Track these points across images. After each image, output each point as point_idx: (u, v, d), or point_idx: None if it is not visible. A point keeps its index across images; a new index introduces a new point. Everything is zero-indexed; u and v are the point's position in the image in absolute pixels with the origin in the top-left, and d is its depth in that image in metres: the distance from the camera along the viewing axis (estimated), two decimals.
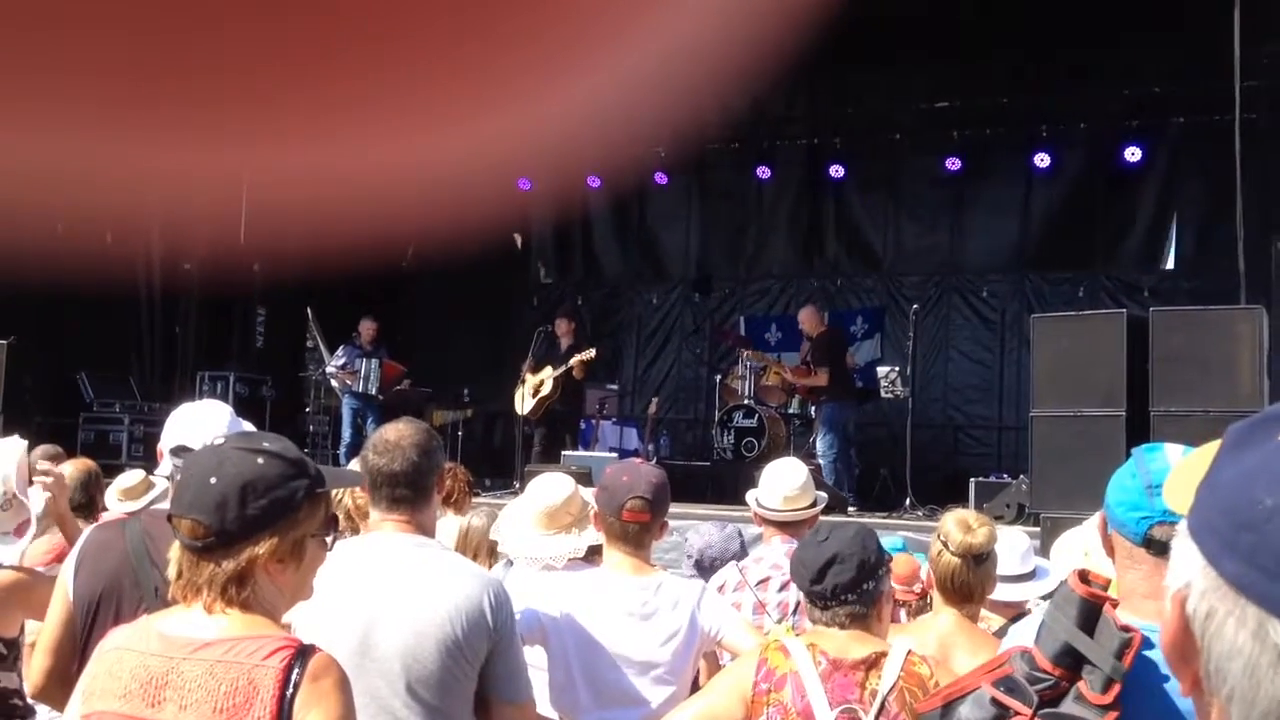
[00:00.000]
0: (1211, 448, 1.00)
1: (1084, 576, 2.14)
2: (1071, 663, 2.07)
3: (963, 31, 13.94)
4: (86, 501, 5.45)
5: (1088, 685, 2.04)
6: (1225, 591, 0.86)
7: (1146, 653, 2.06)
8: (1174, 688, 2.06)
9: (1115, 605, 2.12)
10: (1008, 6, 13.33)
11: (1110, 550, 2.28)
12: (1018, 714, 2.05)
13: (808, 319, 12.03)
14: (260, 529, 2.06)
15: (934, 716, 2.22)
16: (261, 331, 14.47)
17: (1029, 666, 2.10)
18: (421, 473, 3.00)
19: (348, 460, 11.67)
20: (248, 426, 3.36)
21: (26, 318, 11.91)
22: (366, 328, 13.28)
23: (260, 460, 2.08)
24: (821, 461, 11.21)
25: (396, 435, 3.03)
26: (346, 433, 12.97)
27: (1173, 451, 2.25)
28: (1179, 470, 1.05)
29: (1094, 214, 14.57)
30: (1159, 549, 2.15)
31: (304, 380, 14.82)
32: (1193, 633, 0.90)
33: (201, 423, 3.32)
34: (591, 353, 12.30)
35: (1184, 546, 0.93)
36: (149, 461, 11.74)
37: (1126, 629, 2.05)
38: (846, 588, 2.79)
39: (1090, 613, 2.09)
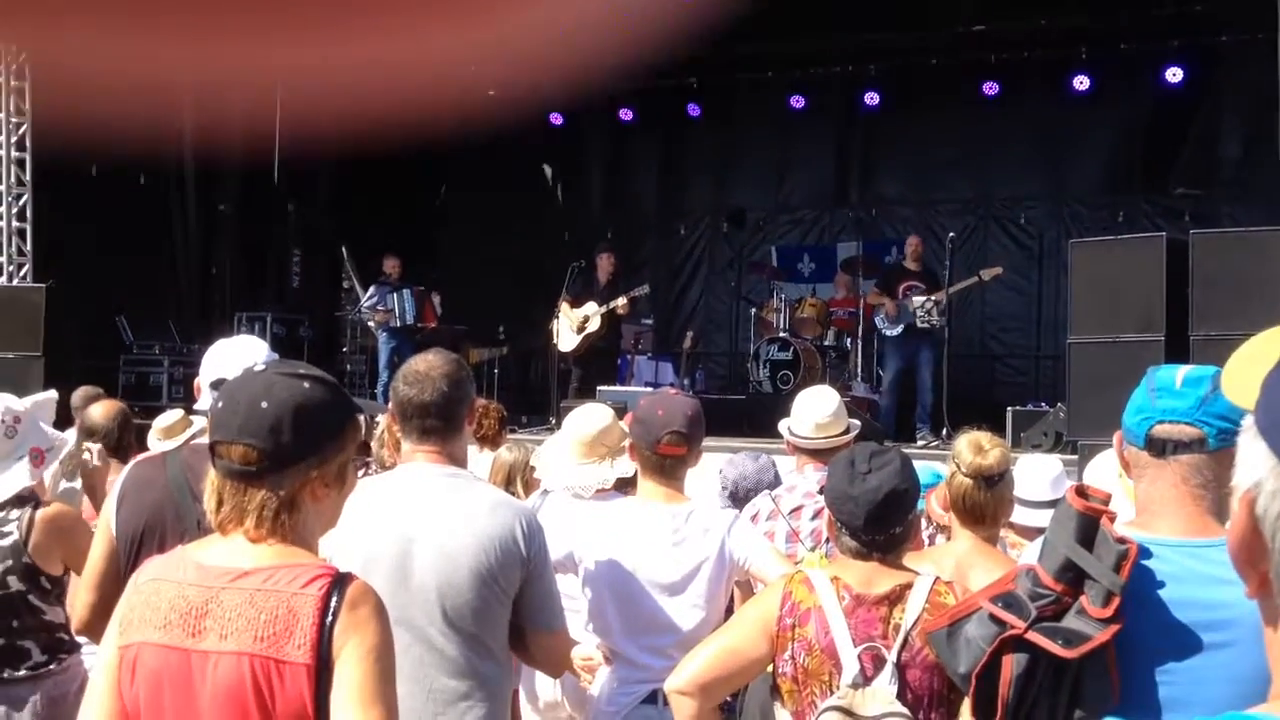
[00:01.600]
0: (1272, 338, 0.94)
1: (1081, 491, 2.14)
2: (1073, 578, 2.06)
3: None
4: (119, 445, 5.48)
5: (1089, 599, 2.04)
6: None
7: (1145, 562, 2.06)
8: (1172, 598, 2.05)
9: (1113, 518, 2.11)
10: None
11: (1127, 467, 2.28)
12: (1013, 628, 2.05)
13: (915, 247, 11.95)
14: (313, 452, 2.07)
15: (941, 635, 2.22)
16: (297, 272, 14.53)
17: (1032, 584, 2.10)
18: (451, 403, 3.01)
19: (385, 399, 11.76)
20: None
21: (65, 262, 12.01)
22: (390, 263, 13.32)
23: (306, 385, 2.08)
24: (930, 389, 11.24)
25: (426, 366, 3.04)
26: (384, 373, 13.04)
27: (1183, 368, 2.23)
28: (1239, 360, 0.99)
29: (1134, 137, 14.34)
30: (1158, 448, 2.15)
31: (340, 320, 14.90)
32: (1262, 533, 0.87)
33: (239, 357, 3.34)
34: (645, 289, 12.34)
35: (1252, 445, 0.88)
36: (189, 402, 11.83)
37: (1123, 541, 2.05)
38: (892, 523, 2.77)
39: (1088, 527, 2.08)
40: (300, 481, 2.07)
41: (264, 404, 2.03)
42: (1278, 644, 0.89)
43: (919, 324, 11.34)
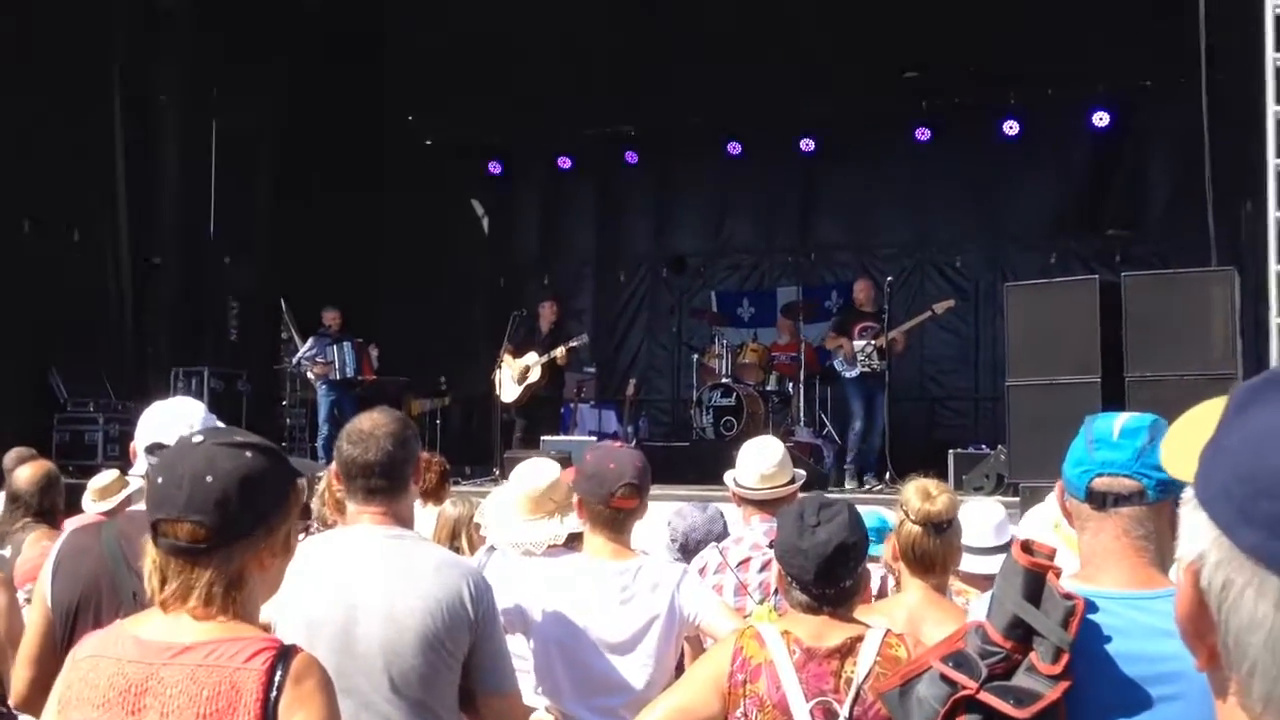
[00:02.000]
0: (1207, 409, 0.94)
1: (1026, 547, 2.15)
2: (1022, 634, 2.06)
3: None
4: (48, 508, 5.37)
5: (1038, 656, 2.04)
6: (1242, 562, 0.83)
7: (1091, 617, 2.07)
8: (1119, 651, 2.06)
9: (1058, 574, 2.12)
10: None
11: (1069, 517, 2.29)
12: (965, 688, 2.04)
13: (865, 290, 11.96)
14: (261, 523, 2.04)
15: (894, 695, 2.21)
16: (235, 325, 14.36)
17: (981, 641, 2.09)
18: (396, 463, 2.98)
19: (326, 454, 11.62)
20: (218, 423, 3.34)
21: None
22: (330, 315, 13.22)
23: (249, 454, 2.05)
24: (880, 435, 11.27)
25: (371, 424, 3.00)
26: (324, 426, 12.90)
27: (1120, 417, 2.25)
28: (1176, 432, 0.99)
29: (1064, 180, 14.63)
30: (1099, 501, 2.16)
31: (279, 373, 14.74)
32: (1208, 606, 0.87)
33: (176, 420, 3.29)
34: (585, 338, 12.36)
35: (1193, 516, 0.88)
36: (124, 460, 11.65)
37: (1069, 596, 2.05)
38: (846, 574, 2.77)
39: (1035, 582, 2.08)
40: (249, 555, 2.03)
41: (209, 478, 1.99)
42: (1227, 715, 0.89)
43: (860, 367, 11.42)
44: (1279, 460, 0.81)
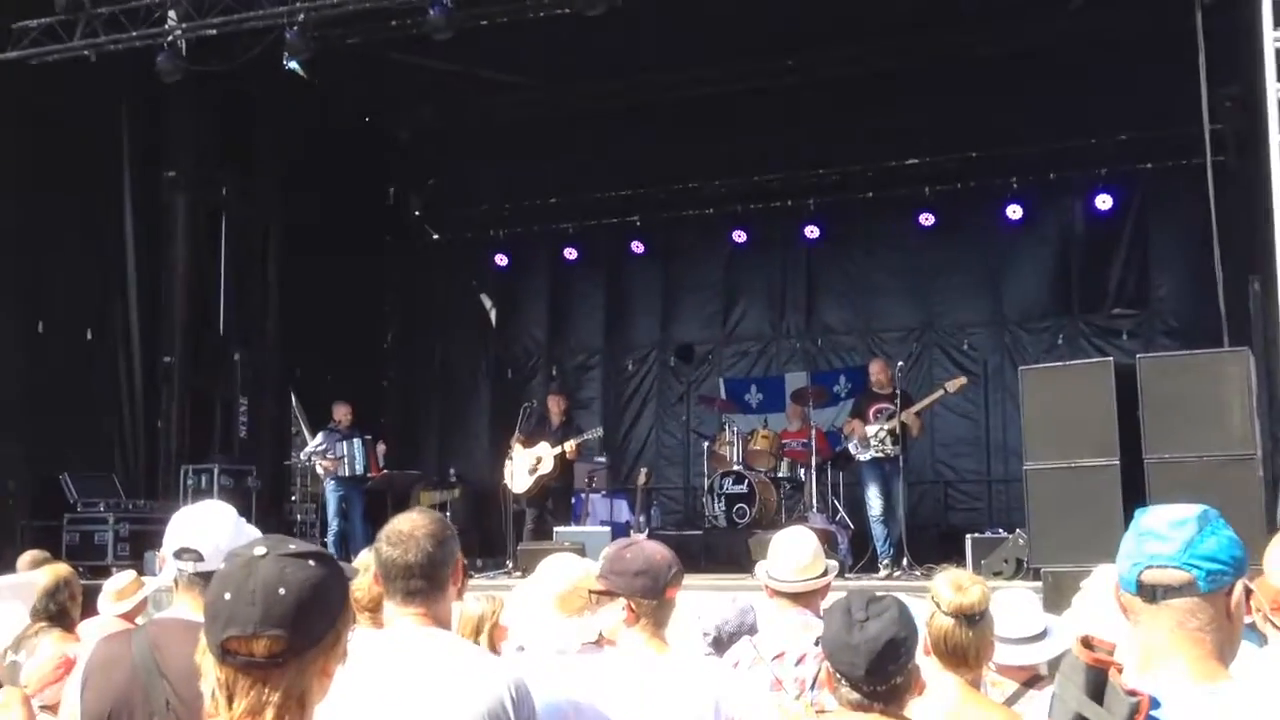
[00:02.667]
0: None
1: (1087, 642, 2.12)
2: None
3: (929, 87, 14.17)
4: (58, 611, 5.32)
5: None
6: None
7: (1155, 713, 2.03)
8: None
9: (1121, 669, 2.09)
10: (975, 62, 13.59)
11: (1125, 611, 2.27)
12: None
13: (882, 371, 11.81)
14: (330, 630, 2.02)
15: None
16: (244, 421, 14.36)
17: None
18: (436, 564, 2.95)
19: (336, 549, 11.55)
20: (251, 528, 3.31)
21: (6, 419, 11.81)
22: (341, 410, 13.19)
23: (312, 563, 2.03)
24: (898, 518, 11.14)
25: (410, 525, 2.98)
26: (333, 522, 12.82)
27: (1167, 509, 2.25)
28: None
29: (1069, 261, 14.71)
30: (1149, 593, 2.15)
31: (288, 469, 14.70)
32: None
33: (206, 524, 3.26)
34: (598, 432, 12.37)
35: None
36: (135, 560, 11.62)
37: (1133, 693, 2.03)
38: (892, 673, 2.72)
39: (1097, 679, 2.06)
40: (316, 664, 2.01)
41: (281, 590, 1.96)
42: None
43: (873, 451, 11.37)
44: None
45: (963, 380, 11.86)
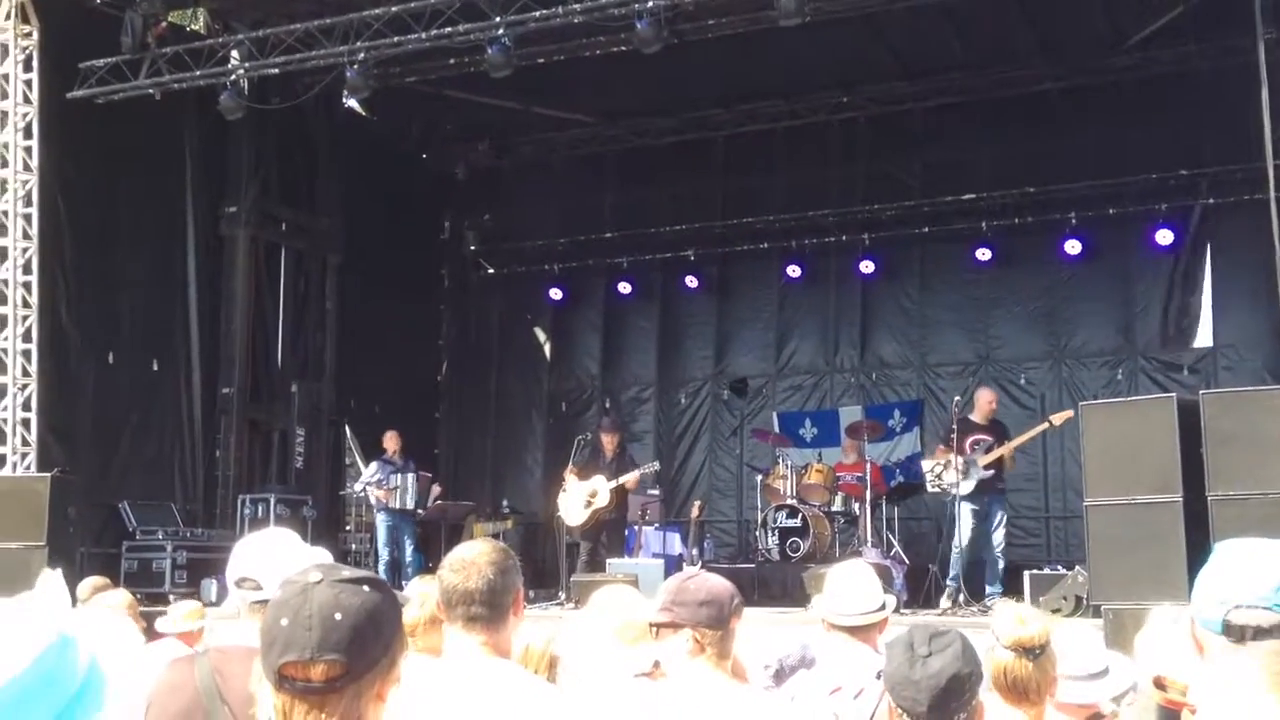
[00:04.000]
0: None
1: (1159, 683, 2.09)
2: None
3: (987, 121, 14.14)
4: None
5: None
6: None
7: None
8: None
9: (1195, 710, 2.06)
10: (1033, 97, 13.56)
11: (1200, 649, 2.24)
12: None
13: (992, 402, 11.64)
14: (385, 654, 2.03)
15: None
16: (300, 452, 14.50)
17: None
18: (497, 591, 2.96)
19: (388, 578, 11.60)
20: (321, 551, 3.33)
21: (73, 448, 12.04)
22: (392, 441, 13.28)
23: (367, 588, 2.04)
24: (1001, 549, 11.02)
25: (473, 553, 3.00)
26: (384, 550, 12.90)
27: (1253, 546, 2.21)
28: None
29: (1129, 296, 14.55)
30: (1237, 634, 2.12)
31: (343, 498, 14.81)
32: None
33: (269, 553, 3.29)
34: (655, 465, 12.38)
35: None
36: (192, 587, 11.74)
37: None
38: (955, 710, 2.68)
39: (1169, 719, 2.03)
40: (373, 689, 2.02)
41: (338, 615, 1.97)
42: None
43: (929, 488, 11.26)
44: None
45: (1069, 414, 11.18)
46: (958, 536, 11.03)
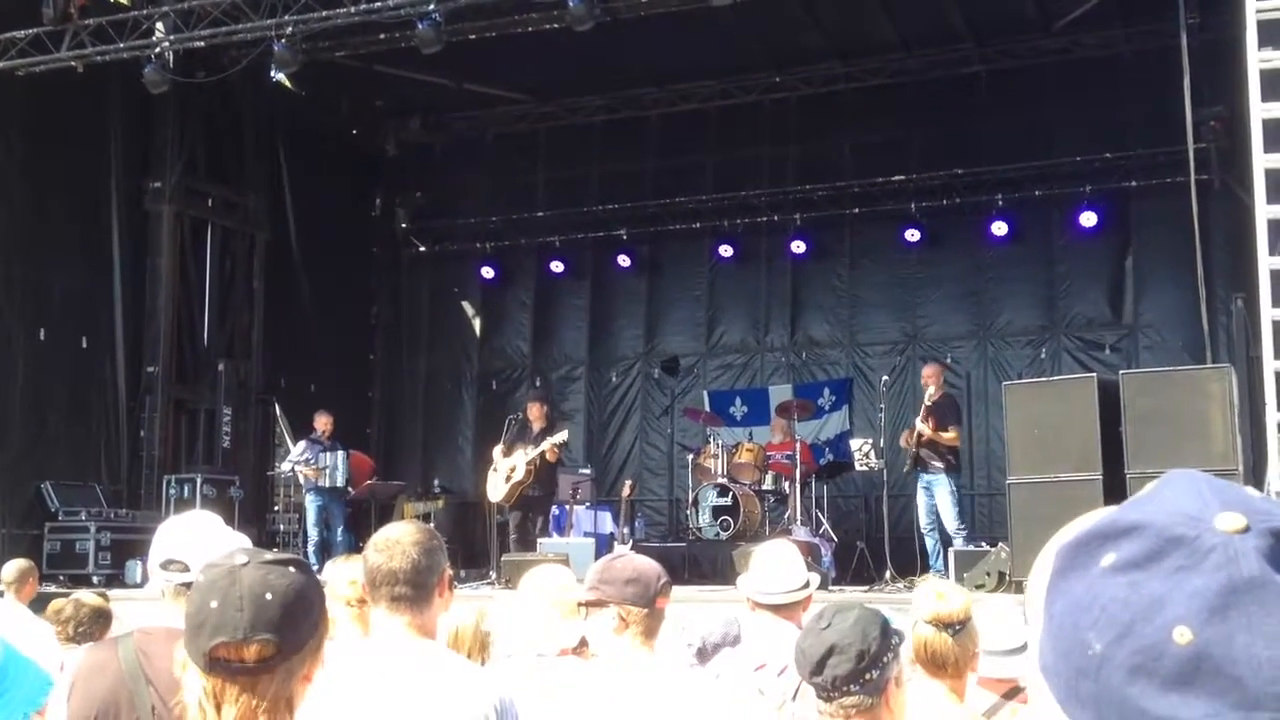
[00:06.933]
0: (1054, 545, 0.89)
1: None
2: None
3: (915, 103, 14.29)
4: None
5: None
6: None
7: None
8: None
9: None
10: (962, 79, 13.70)
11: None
12: None
13: (935, 375, 11.59)
14: (313, 635, 2.04)
15: None
16: (227, 432, 14.33)
17: None
18: (421, 571, 2.95)
19: (318, 560, 11.51)
20: (240, 536, 3.32)
21: None
22: (322, 421, 13.16)
23: (292, 569, 2.05)
24: (962, 533, 11.08)
25: (398, 533, 2.99)
26: (313, 531, 12.79)
27: None
28: (1034, 579, 0.91)
29: (1053, 277, 14.78)
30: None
31: (271, 479, 14.67)
32: None
33: (193, 535, 3.26)
34: (564, 435, 12.22)
35: (1039, 683, 0.83)
36: (116, 569, 11.58)
37: None
38: (846, 679, 2.70)
39: None
40: (301, 669, 2.02)
41: (268, 596, 1.98)
42: None
43: (857, 466, 11.40)
44: (1090, 638, 0.77)
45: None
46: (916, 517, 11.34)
